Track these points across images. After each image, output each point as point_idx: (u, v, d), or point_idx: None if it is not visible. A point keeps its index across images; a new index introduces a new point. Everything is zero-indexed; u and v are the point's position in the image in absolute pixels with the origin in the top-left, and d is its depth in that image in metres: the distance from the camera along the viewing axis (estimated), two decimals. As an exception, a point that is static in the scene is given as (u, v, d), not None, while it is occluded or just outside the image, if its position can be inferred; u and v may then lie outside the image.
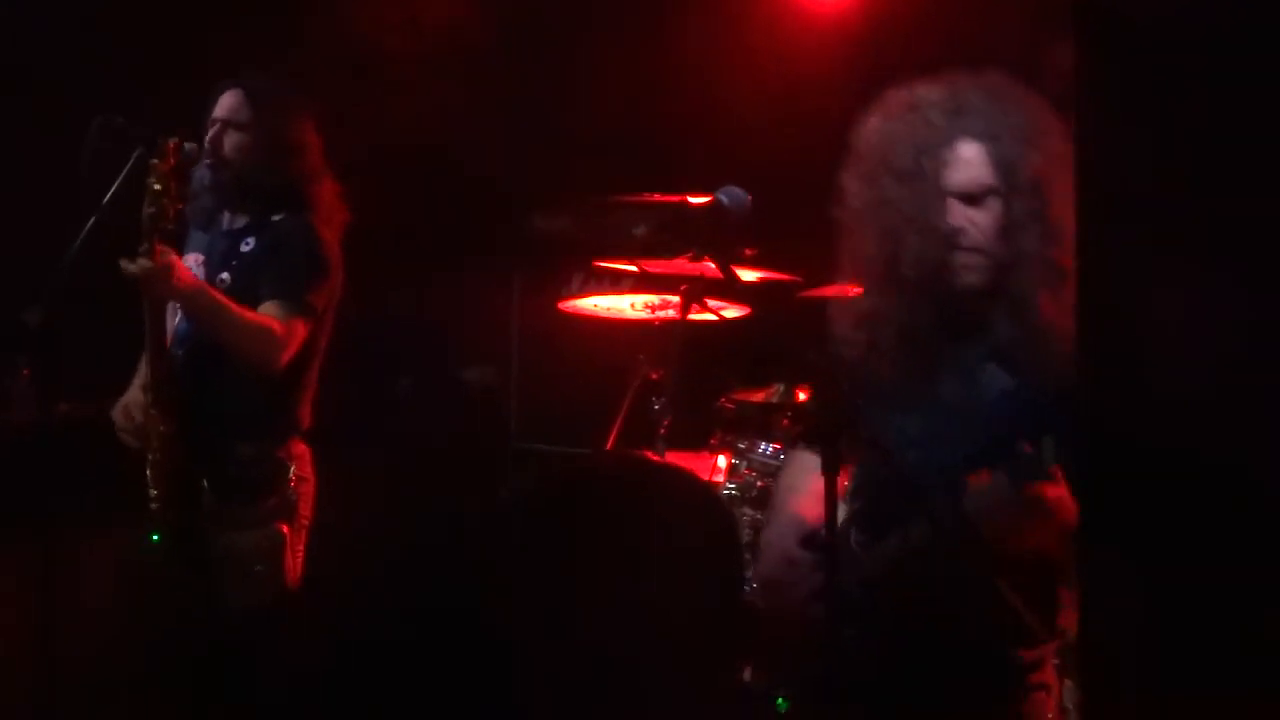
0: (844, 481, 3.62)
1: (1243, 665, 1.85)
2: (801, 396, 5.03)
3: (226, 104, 4.59)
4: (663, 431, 5.01)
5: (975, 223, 3.08)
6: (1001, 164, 3.10)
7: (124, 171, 4.41)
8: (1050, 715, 3.29)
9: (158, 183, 4.31)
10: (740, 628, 3.20)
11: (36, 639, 4.36)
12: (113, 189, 4.42)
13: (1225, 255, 1.85)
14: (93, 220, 4.39)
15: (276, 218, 4.59)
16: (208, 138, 4.54)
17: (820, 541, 3.09)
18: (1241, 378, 1.82)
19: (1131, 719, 1.93)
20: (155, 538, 4.40)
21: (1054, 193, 3.07)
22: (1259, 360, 1.81)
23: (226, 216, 4.66)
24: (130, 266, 4.29)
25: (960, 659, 3.14)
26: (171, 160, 4.35)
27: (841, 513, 3.18)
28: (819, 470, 3.12)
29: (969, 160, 3.10)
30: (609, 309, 5.51)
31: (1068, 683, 4.43)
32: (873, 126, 3.22)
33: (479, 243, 6.24)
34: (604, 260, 5.30)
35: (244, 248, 4.58)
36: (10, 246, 5.14)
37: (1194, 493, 1.88)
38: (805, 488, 3.34)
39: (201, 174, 4.54)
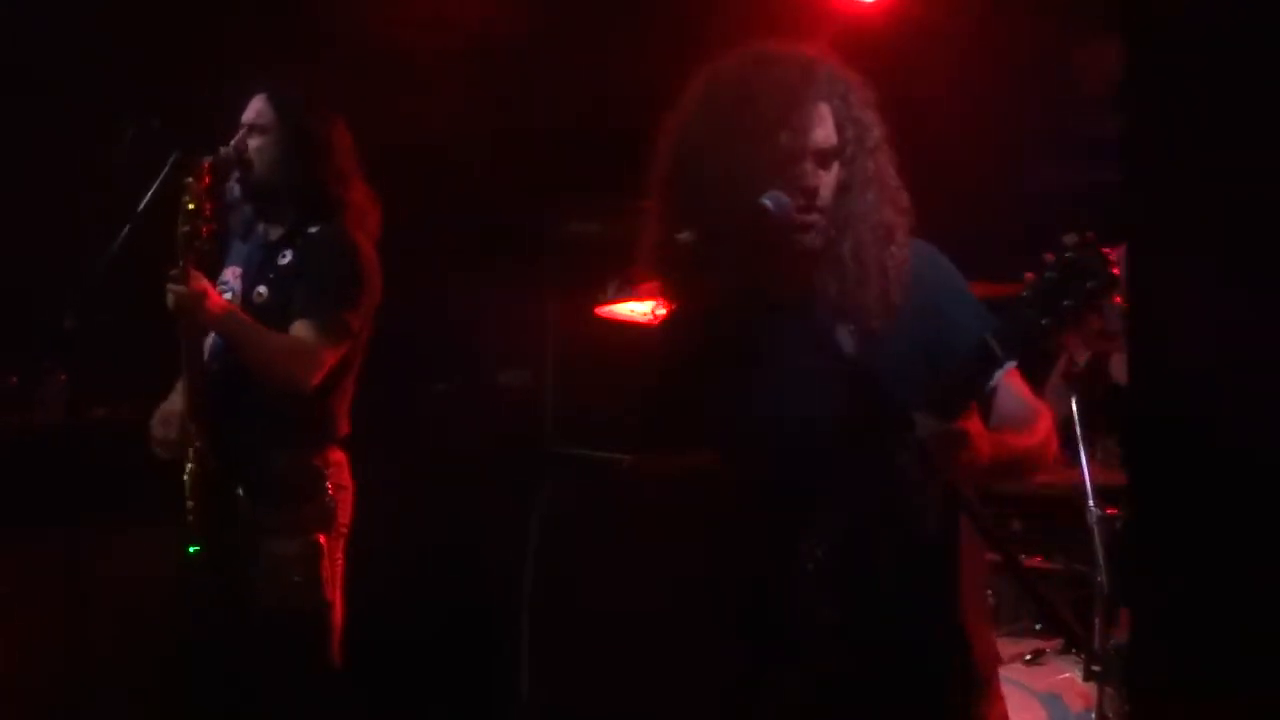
0: None
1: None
2: None
3: (253, 108, 4.55)
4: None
5: (824, 182, 3.02)
6: (847, 124, 3.04)
7: (160, 176, 4.38)
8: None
9: (191, 201, 4.28)
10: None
11: (68, 638, 4.36)
12: (148, 195, 4.39)
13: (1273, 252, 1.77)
14: (128, 227, 4.37)
15: (312, 229, 4.53)
16: (233, 142, 4.50)
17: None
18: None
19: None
20: (194, 549, 4.35)
21: (883, 155, 3.05)
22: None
23: (263, 227, 4.61)
24: (169, 289, 4.26)
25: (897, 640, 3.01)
26: (206, 179, 4.32)
27: None
28: None
29: (822, 118, 3.02)
30: (644, 314, 5.45)
31: (1108, 690, 4.37)
32: (713, 88, 3.10)
33: (518, 248, 6.20)
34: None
35: (281, 260, 4.53)
36: (46, 252, 5.11)
37: (1244, 500, 1.79)
38: None
39: (232, 183, 4.51)
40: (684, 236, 3.02)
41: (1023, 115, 5.54)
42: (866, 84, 3.10)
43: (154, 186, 4.41)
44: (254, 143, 4.52)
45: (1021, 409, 3.02)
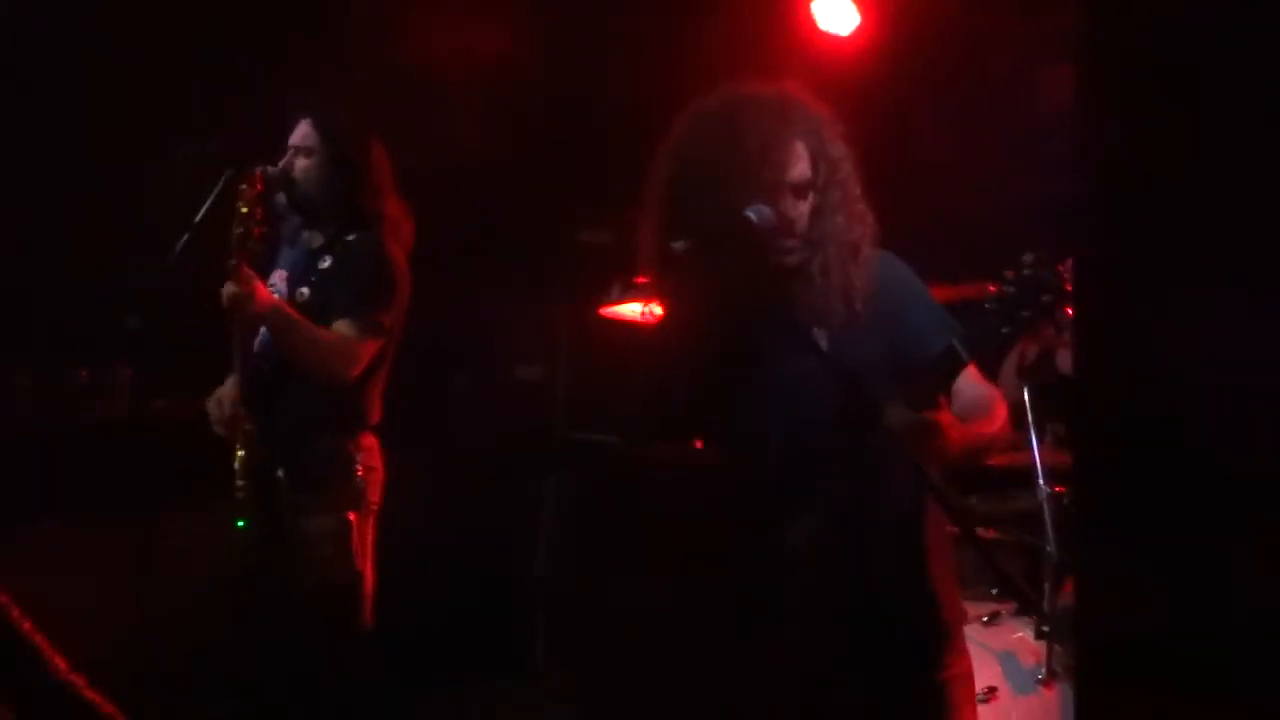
0: None
1: (1233, 652, 1.81)
2: None
3: (299, 132, 4.60)
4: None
5: (800, 212, 3.10)
6: (819, 159, 3.12)
7: (214, 191, 4.43)
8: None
9: (244, 206, 4.34)
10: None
11: (136, 611, 4.39)
12: (204, 208, 4.43)
13: (1220, 259, 1.80)
14: (187, 236, 4.41)
15: (350, 237, 4.58)
16: (281, 163, 4.55)
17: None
18: (1242, 374, 1.77)
19: (1126, 703, 1.88)
20: (241, 524, 4.39)
21: (847, 179, 3.13)
22: (1259, 357, 1.76)
23: (307, 234, 4.66)
24: (224, 290, 4.30)
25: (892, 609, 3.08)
26: (259, 186, 4.37)
27: None
28: None
29: (799, 155, 3.11)
30: (646, 314, 5.47)
31: (1057, 647, 4.41)
32: (698, 130, 3.18)
33: (531, 254, 6.22)
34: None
35: (322, 265, 4.58)
36: (113, 259, 5.14)
37: (1191, 486, 1.83)
38: None
39: (279, 196, 4.55)
40: (678, 245, 3.10)
41: (988, 135, 5.55)
42: (836, 119, 3.18)
43: (209, 200, 4.46)
44: (300, 163, 4.56)
45: (981, 397, 3.10)
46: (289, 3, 5.82)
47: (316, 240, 4.63)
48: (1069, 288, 2.65)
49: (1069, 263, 2.69)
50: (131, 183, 5.31)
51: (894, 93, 5.43)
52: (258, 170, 4.39)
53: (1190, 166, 1.81)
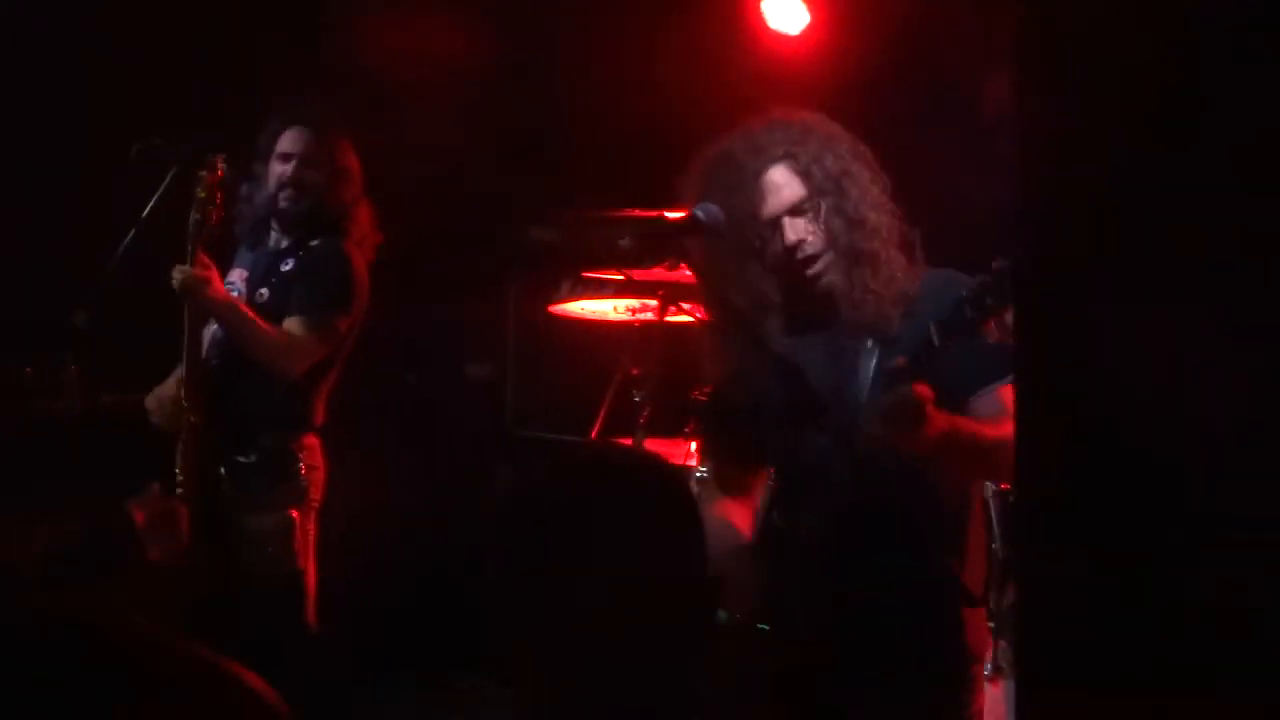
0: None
1: (1175, 654, 1.83)
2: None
3: (299, 141, 4.59)
4: (642, 421, 5.01)
5: (809, 231, 3.11)
6: (805, 174, 3.12)
7: (161, 187, 4.41)
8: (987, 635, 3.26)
9: (203, 191, 4.34)
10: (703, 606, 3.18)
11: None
12: (151, 203, 4.42)
13: (1162, 263, 1.82)
14: (133, 232, 4.40)
15: (314, 242, 4.58)
16: (284, 172, 4.53)
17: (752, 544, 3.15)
18: (1182, 375, 1.79)
19: (1068, 701, 1.90)
20: None
21: (850, 186, 3.13)
22: (1200, 362, 1.78)
23: (272, 237, 4.66)
24: (173, 274, 4.29)
25: (901, 595, 3.10)
26: (220, 172, 4.35)
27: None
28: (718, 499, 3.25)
29: (781, 182, 3.13)
30: (595, 312, 5.49)
31: (1001, 643, 4.44)
32: (691, 182, 3.25)
33: (480, 252, 6.22)
34: (591, 269, 5.29)
35: (284, 267, 4.59)
36: (60, 255, 5.11)
37: (1131, 488, 1.85)
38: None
39: (261, 199, 4.54)
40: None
41: (938, 134, 5.58)
42: (825, 126, 3.20)
43: (156, 196, 4.44)
44: (309, 175, 4.56)
45: (995, 412, 3.03)
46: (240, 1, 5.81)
47: (282, 243, 4.64)
48: None
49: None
50: (79, 178, 5.29)
51: (844, 91, 5.46)
52: (219, 156, 4.38)
53: (1130, 168, 1.83)
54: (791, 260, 3.12)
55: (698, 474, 5.00)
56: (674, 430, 5.29)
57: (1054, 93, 1.86)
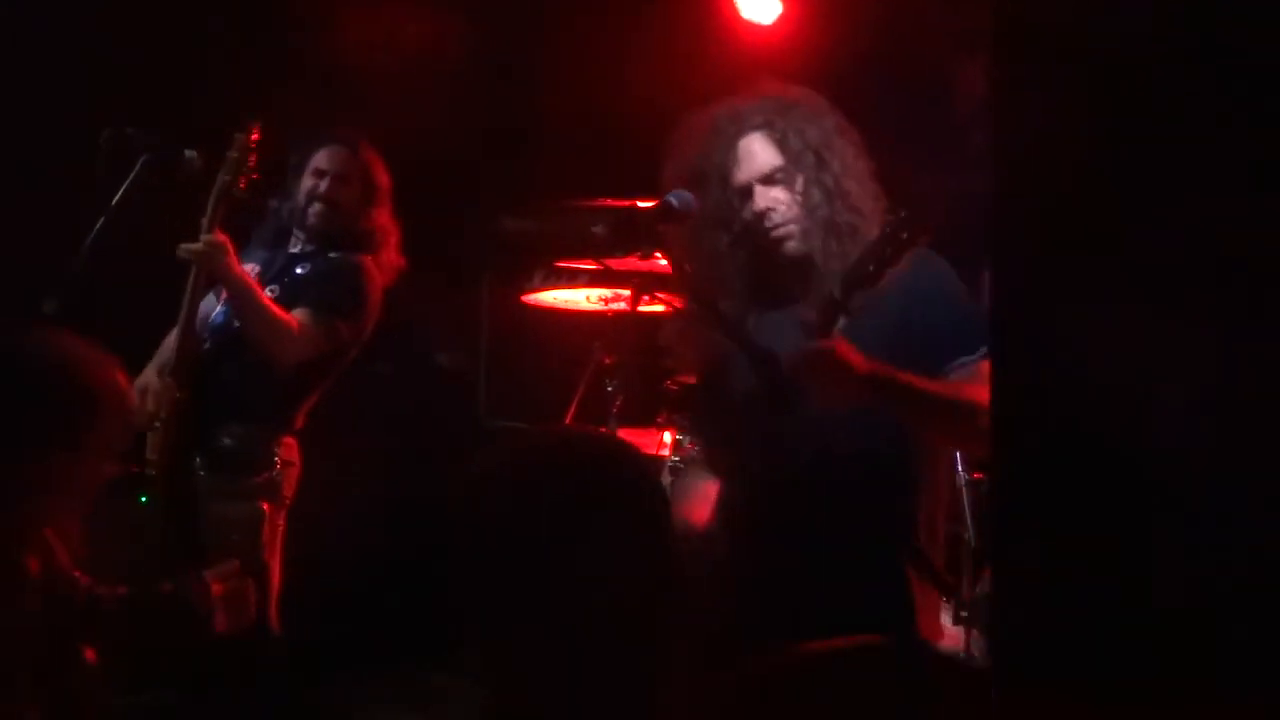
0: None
1: (1150, 644, 1.83)
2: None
3: (336, 159, 4.64)
4: (615, 410, 5.02)
5: (780, 200, 3.10)
6: (783, 143, 3.11)
7: (131, 176, 4.39)
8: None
9: (236, 151, 4.32)
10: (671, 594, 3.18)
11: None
12: (121, 191, 4.39)
13: (1132, 259, 1.82)
14: (104, 220, 4.37)
15: (334, 254, 4.58)
16: (316, 187, 4.57)
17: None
18: (1151, 373, 1.79)
19: (1042, 690, 1.90)
20: (144, 500, 4.34)
21: (832, 159, 3.11)
22: (1169, 362, 1.78)
23: (295, 241, 4.67)
24: (190, 245, 4.27)
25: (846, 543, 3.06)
26: (256, 134, 4.34)
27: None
28: (703, 481, 3.24)
29: (755, 151, 3.12)
30: (568, 301, 5.49)
31: (974, 632, 4.46)
32: (670, 150, 3.25)
33: (452, 242, 6.21)
34: (564, 258, 5.28)
35: (298, 270, 4.59)
36: (29, 244, 5.08)
37: (1103, 483, 1.85)
38: (692, 494, 3.38)
39: (288, 210, 4.54)
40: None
41: (910, 126, 5.59)
42: (810, 99, 3.21)
43: (125, 185, 4.42)
44: (344, 193, 4.59)
45: (964, 378, 2.99)
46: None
47: (306, 247, 4.63)
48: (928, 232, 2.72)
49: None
50: (48, 166, 5.25)
51: (817, 82, 5.45)
52: (256, 120, 4.37)
53: (1102, 165, 1.83)
54: (759, 229, 3.11)
55: (670, 463, 5.01)
56: (647, 419, 5.29)
57: (1028, 88, 1.86)
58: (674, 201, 3.07)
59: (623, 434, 5.06)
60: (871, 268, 2.77)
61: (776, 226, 3.11)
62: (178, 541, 4.36)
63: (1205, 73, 1.77)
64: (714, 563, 3.11)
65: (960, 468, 4.54)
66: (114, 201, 4.38)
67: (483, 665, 2.03)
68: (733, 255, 3.15)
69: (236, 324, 4.48)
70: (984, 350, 2.97)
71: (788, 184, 3.11)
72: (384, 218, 4.68)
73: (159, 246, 4.42)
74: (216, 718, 4.48)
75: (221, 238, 4.33)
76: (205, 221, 4.33)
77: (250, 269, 4.60)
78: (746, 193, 3.12)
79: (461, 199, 6.16)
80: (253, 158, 4.38)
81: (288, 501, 4.56)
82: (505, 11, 6.01)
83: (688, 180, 3.14)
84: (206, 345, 4.48)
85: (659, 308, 4.93)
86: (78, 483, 2.96)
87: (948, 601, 4.61)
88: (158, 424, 4.35)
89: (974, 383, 2.95)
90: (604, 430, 4.96)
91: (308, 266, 4.59)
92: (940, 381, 2.98)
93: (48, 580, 2.97)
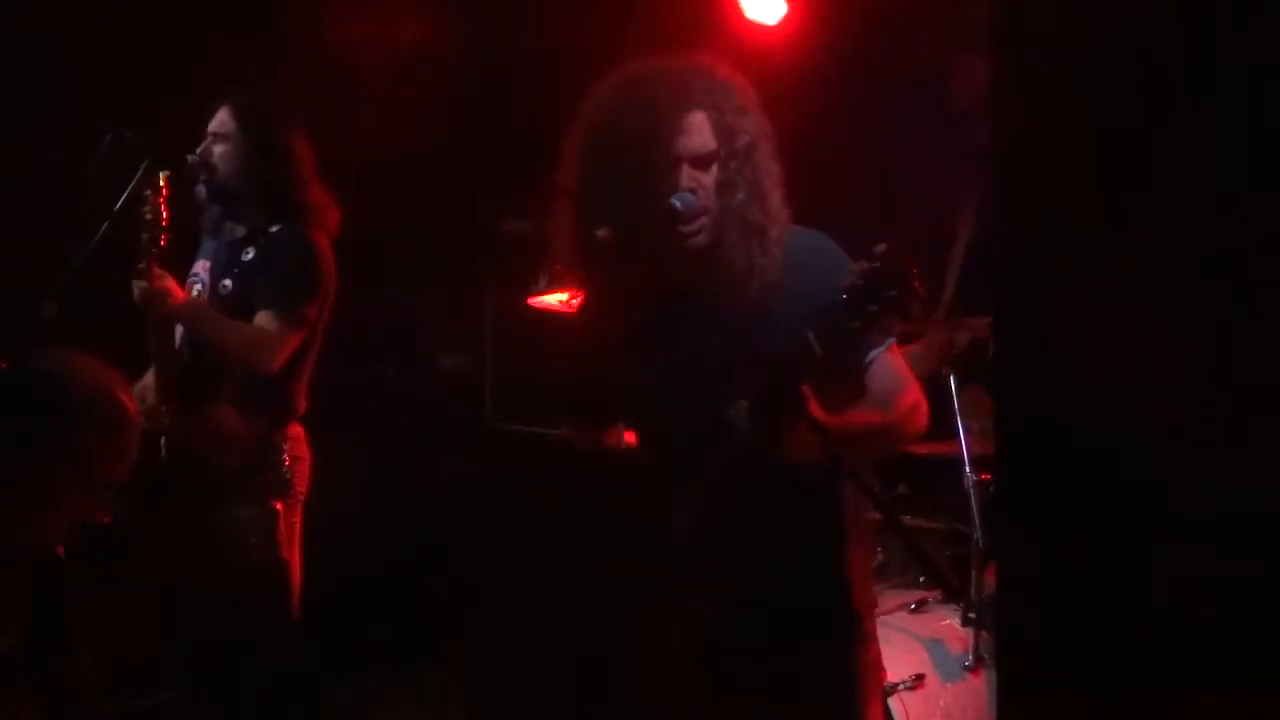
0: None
1: (1153, 642, 1.82)
2: None
3: (216, 119, 4.56)
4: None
5: (702, 184, 3.02)
6: (721, 130, 3.04)
7: (133, 181, 4.39)
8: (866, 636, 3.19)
9: (150, 212, 4.30)
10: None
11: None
12: (123, 197, 4.39)
13: (1133, 257, 1.81)
14: (104, 224, 4.37)
15: (274, 228, 4.53)
16: (199, 150, 4.51)
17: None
18: (1151, 373, 1.78)
19: (1046, 697, 1.89)
20: (160, 511, 4.37)
21: (758, 157, 3.06)
22: (1167, 357, 1.77)
23: (229, 225, 4.62)
24: (135, 291, 4.27)
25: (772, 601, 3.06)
26: (165, 191, 4.32)
27: None
28: None
29: (697, 127, 3.03)
30: (568, 302, 5.47)
31: (983, 633, 4.44)
32: (598, 105, 3.14)
33: (458, 244, 6.20)
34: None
35: (244, 257, 4.54)
36: (28, 248, 5.07)
37: (1106, 484, 1.84)
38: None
39: (199, 186, 4.51)
40: (602, 234, 3.07)
41: (914, 123, 5.58)
42: (746, 90, 3.11)
43: (127, 189, 4.42)
44: (218, 150, 4.52)
45: (888, 386, 3.02)
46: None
47: (239, 231, 4.60)
48: (918, 284, 2.62)
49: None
50: (49, 171, 5.25)
51: (821, 82, 5.45)
52: (163, 174, 4.34)
53: (1101, 162, 1.82)
54: (696, 206, 3.02)
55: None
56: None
57: (1028, 87, 1.86)
58: (678, 204, 3.03)
59: (629, 436, 5.04)
60: (856, 324, 2.70)
61: (695, 215, 3.02)
62: (197, 551, 4.38)
63: (1205, 70, 1.76)
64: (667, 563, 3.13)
65: (968, 469, 4.52)
66: (116, 206, 4.38)
67: (472, 664, 2.03)
68: (652, 229, 3.03)
69: None
70: (891, 340, 2.99)
71: (713, 171, 3.04)
72: (300, 179, 4.59)
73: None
74: (236, 716, 4.49)
75: (160, 283, 4.30)
76: (140, 270, 4.29)
77: (201, 266, 4.58)
78: (675, 166, 3.02)
79: (466, 201, 6.14)
80: (165, 213, 4.34)
81: (302, 496, 4.56)
82: (509, 10, 6.00)
83: (622, 144, 3.01)
84: (189, 355, 4.47)
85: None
86: (95, 497, 3.00)
87: (955, 604, 4.60)
88: (164, 439, 4.36)
89: (896, 382, 3.01)
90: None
91: (252, 251, 4.54)
92: (880, 405, 2.98)
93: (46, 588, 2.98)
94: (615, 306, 3.12)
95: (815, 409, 2.79)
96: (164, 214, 4.32)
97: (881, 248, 2.66)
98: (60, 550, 3.08)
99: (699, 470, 3.01)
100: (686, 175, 3.02)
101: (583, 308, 3.26)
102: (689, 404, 3.02)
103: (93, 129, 4.43)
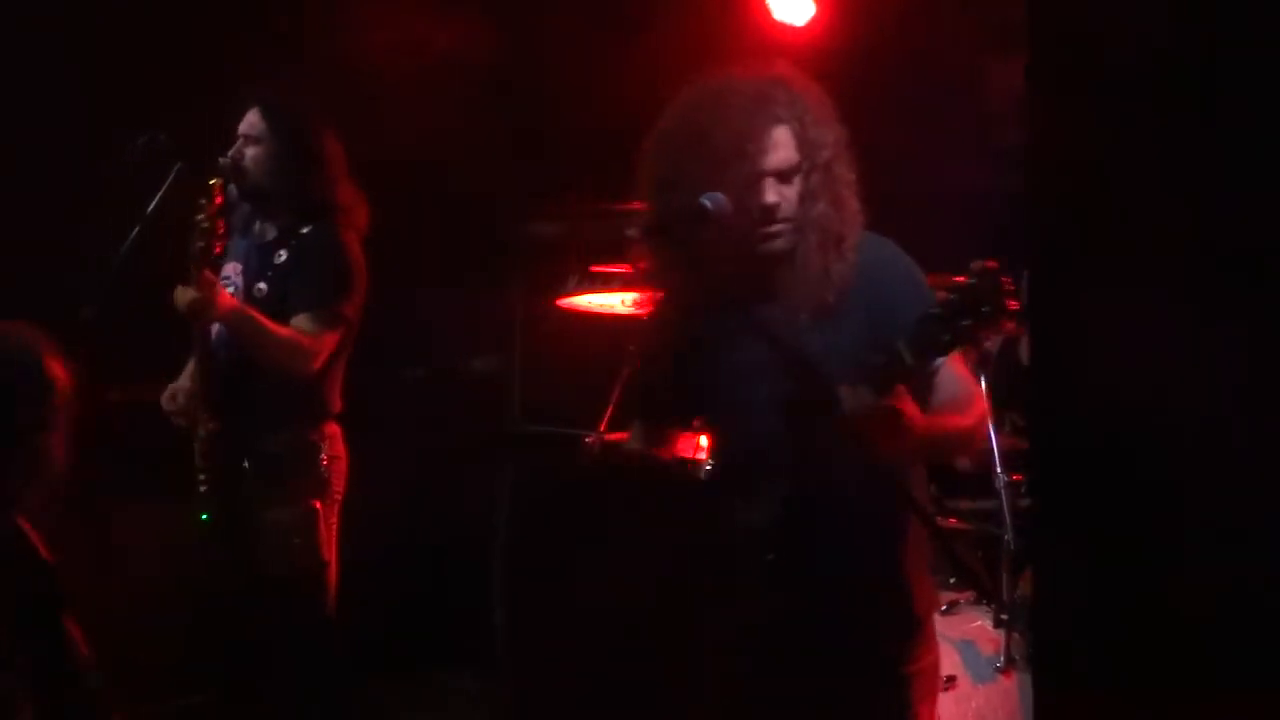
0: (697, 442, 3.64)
1: (1189, 645, 1.83)
2: None
3: (247, 120, 4.58)
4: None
5: (786, 197, 3.11)
6: (804, 143, 3.12)
7: (166, 183, 4.42)
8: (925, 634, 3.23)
9: (205, 220, 4.31)
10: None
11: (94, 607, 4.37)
12: (156, 198, 4.42)
13: (1165, 260, 1.82)
14: (139, 227, 4.40)
15: (305, 229, 4.57)
16: (230, 152, 4.53)
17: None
18: (1185, 376, 1.79)
19: (1082, 697, 1.90)
20: (205, 517, 4.39)
21: (838, 168, 3.14)
22: (1201, 361, 1.78)
23: (259, 226, 4.65)
24: (179, 297, 4.29)
25: (837, 593, 3.12)
26: (219, 199, 4.35)
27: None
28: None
29: (781, 142, 3.11)
30: (602, 305, 5.48)
31: (1015, 635, 4.44)
32: (684, 114, 3.20)
33: (487, 246, 6.22)
34: (598, 262, 5.28)
35: (277, 259, 4.57)
36: (64, 250, 5.12)
37: (1139, 486, 1.85)
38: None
39: (229, 185, 4.53)
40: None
41: (943, 125, 5.58)
42: (824, 100, 3.18)
43: (160, 192, 4.45)
44: (250, 152, 4.55)
45: (959, 391, 3.08)
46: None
47: (270, 233, 4.62)
48: (1013, 303, 2.68)
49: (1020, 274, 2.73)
50: (84, 174, 5.29)
51: (849, 83, 5.44)
52: (217, 181, 4.37)
53: (1134, 165, 1.83)
54: (753, 221, 3.09)
55: (707, 466, 5.00)
56: (681, 424, 5.28)
57: (1059, 92, 1.87)
58: (708, 204, 3.06)
59: (682, 444, 5.05)
60: (948, 337, 2.77)
61: (775, 222, 3.11)
62: (240, 553, 4.41)
63: (1238, 72, 1.77)
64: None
65: (1000, 469, 4.52)
66: (150, 209, 4.41)
67: (520, 674, 2.06)
68: (736, 241, 3.11)
69: None
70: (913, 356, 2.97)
71: (797, 183, 3.12)
72: (328, 179, 4.61)
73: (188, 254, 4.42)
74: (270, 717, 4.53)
75: (208, 290, 4.31)
76: (192, 275, 4.31)
77: (233, 269, 4.60)
78: (758, 180, 3.10)
79: (495, 204, 6.16)
80: (220, 222, 4.38)
81: (339, 496, 4.60)
82: (537, 12, 6.02)
83: (710, 156, 3.09)
84: (223, 355, 4.50)
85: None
86: (48, 465, 3.01)
87: (987, 605, 4.60)
88: (199, 442, 4.39)
89: (960, 389, 3.07)
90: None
91: (284, 254, 4.57)
92: (955, 410, 3.04)
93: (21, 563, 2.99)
94: (694, 311, 3.19)
95: (912, 411, 2.86)
96: (219, 222, 4.35)
97: (979, 264, 2.71)
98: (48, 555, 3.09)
99: (770, 469, 3.07)
100: (771, 189, 3.10)
101: (658, 311, 3.32)
102: (764, 405, 3.07)
103: (119, 131, 4.47)
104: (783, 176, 3.11)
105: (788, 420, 3.02)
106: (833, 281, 3.09)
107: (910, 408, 2.86)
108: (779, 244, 3.12)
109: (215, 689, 4.62)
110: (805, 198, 3.11)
